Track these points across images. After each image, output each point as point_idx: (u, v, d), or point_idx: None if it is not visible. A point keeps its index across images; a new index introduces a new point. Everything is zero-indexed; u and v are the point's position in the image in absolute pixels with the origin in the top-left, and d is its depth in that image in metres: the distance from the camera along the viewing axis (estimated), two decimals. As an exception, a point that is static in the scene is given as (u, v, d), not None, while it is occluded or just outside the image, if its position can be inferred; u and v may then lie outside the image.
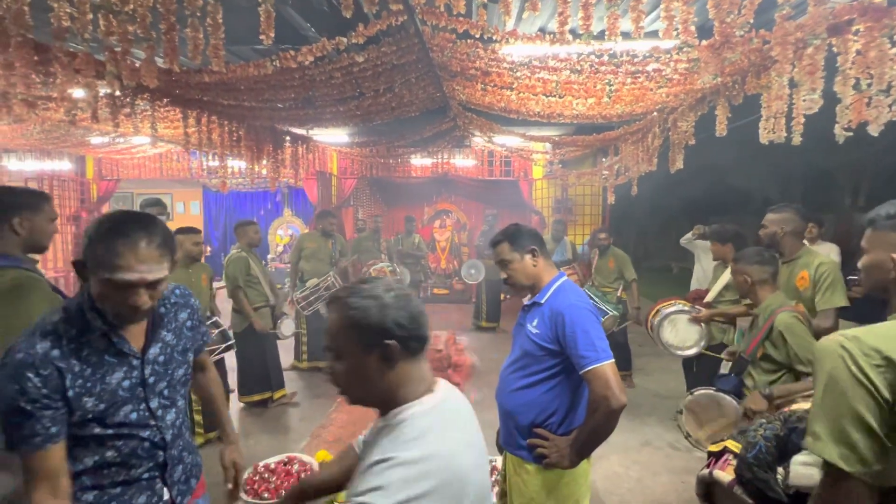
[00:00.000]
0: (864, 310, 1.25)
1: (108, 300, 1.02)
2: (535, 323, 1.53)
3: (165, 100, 3.31)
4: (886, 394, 0.85)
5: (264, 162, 4.69)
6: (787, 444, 1.24)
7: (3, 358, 0.98)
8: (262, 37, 1.85)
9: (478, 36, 2.19)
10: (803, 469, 1.08)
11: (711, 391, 2.06)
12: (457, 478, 0.80)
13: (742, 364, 2.04)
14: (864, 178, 10.69)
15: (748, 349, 2.02)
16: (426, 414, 0.84)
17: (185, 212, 10.44)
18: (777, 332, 1.89)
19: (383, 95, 3.31)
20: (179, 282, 3.14)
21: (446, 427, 0.85)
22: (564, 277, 1.61)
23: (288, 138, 5.05)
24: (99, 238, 0.98)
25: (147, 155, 7.14)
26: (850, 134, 1.96)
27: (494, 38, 2.19)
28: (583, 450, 1.46)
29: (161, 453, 1.16)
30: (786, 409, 1.50)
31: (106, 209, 9.02)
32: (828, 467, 0.90)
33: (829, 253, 3.62)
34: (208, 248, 9.90)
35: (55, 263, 7.00)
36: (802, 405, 1.45)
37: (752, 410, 1.81)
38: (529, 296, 1.62)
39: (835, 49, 1.95)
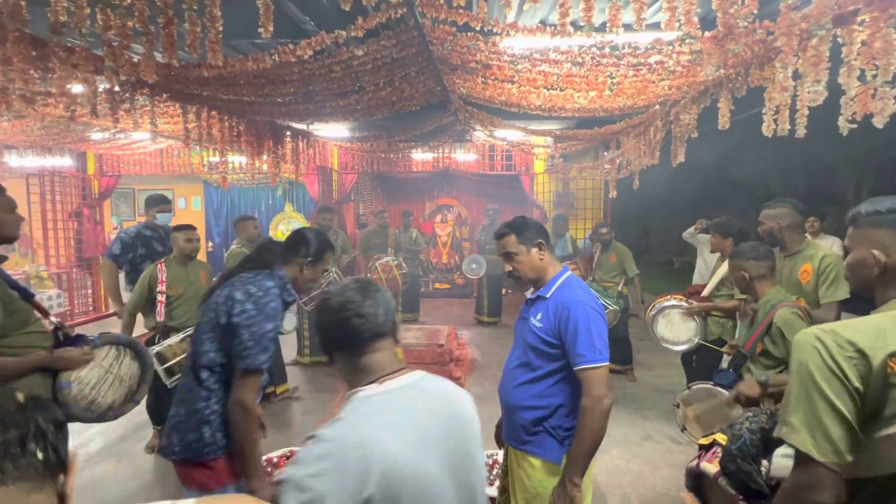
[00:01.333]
0: (865, 303, 1.24)
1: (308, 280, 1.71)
2: (538, 317, 1.52)
3: (165, 95, 3.29)
4: (858, 384, 0.87)
5: (265, 157, 4.68)
6: (771, 438, 1.26)
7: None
8: (260, 30, 1.84)
9: (478, 28, 2.17)
10: (784, 461, 1.10)
11: (708, 385, 2.05)
12: (362, 463, 0.81)
13: (740, 359, 2.04)
14: (867, 171, 10.61)
15: (747, 344, 2.01)
16: (362, 399, 0.92)
17: (186, 207, 10.43)
18: (776, 328, 1.88)
19: (383, 89, 3.29)
20: (177, 280, 3.16)
21: (378, 413, 0.89)
22: (569, 272, 1.60)
23: (288, 133, 5.04)
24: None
25: (148, 150, 7.13)
26: (855, 126, 1.94)
27: (495, 30, 2.17)
28: (585, 458, 1.43)
29: None
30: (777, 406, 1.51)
31: (107, 205, 9.03)
32: (800, 456, 0.91)
33: (831, 246, 3.61)
34: (210, 244, 9.91)
35: (58, 260, 7.01)
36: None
37: (745, 395, 1.79)
38: (533, 289, 1.62)
39: (839, 40, 1.93)
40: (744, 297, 2.36)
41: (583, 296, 1.49)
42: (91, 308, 7.33)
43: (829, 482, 0.88)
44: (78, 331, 1.87)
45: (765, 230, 2.36)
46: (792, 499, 0.93)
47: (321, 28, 2.99)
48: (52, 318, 1.82)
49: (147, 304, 3.07)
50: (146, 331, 3.10)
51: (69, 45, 2.24)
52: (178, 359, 2.61)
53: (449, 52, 2.67)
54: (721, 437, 1.48)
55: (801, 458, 0.91)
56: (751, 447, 1.28)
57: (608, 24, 1.88)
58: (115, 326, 3.61)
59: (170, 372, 2.59)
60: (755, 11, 1.83)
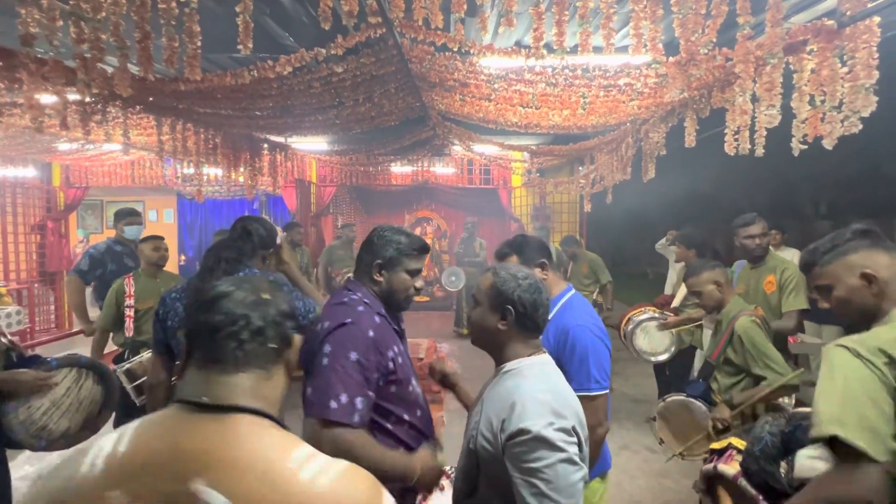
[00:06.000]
0: (822, 312, 1.31)
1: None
2: (541, 339, 1.52)
3: (138, 107, 3.24)
4: (895, 385, 0.91)
5: (241, 170, 4.63)
6: (790, 440, 1.29)
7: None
8: (239, 46, 1.85)
9: (456, 49, 2.24)
10: (809, 462, 1.12)
11: (682, 397, 2.12)
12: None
13: (709, 369, 2.12)
14: (823, 187, 11.25)
15: (713, 354, 2.09)
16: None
17: (158, 220, 10.14)
18: (737, 337, 1.96)
19: (363, 105, 3.33)
20: (147, 293, 3.08)
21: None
22: (573, 291, 1.56)
23: (266, 146, 5.00)
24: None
25: (118, 162, 6.93)
26: (806, 147, 2.08)
27: (472, 51, 2.24)
28: None
29: None
30: (791, 410, 1.57)
31: (73, 218, 8.68)
32: (847, 455, 0.90)
33: (792, 258, 3.80)
34: (183, 258, 9.64)
35: (18, 275, 6.69)
36: (806, 409, 1.52)
37: (720, 420, 1.87)
38: None
39: (791, 67, 2.08)
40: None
41: (584, 319, 1.45)
42: (54, 325, 6.99)
43: (879, 480, 0.89)
44: (40, 349, 1.79)
45: (756, 245, 2.50)
46: (837, 495, 0.91)
47: (300, 44, 3.01)
48: (4, 339, 1.72)
49: (115, 320, 2.97)
50: (115, 347, 2.99)
51: (39, 56, 2.19)
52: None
53: (427, 71, 2.73)
54: (737, 442, 1.53)
55: (850, 457, 0.90)
56: (771, 448, 1.31)
57: (579, 48, 1.97)
58: (79, 344, 3.46)
59: (139, 390, 2.50)
60: (714, 40, 1.95)
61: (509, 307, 1.10)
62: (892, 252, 1.08)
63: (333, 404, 1.10)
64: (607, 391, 1.40)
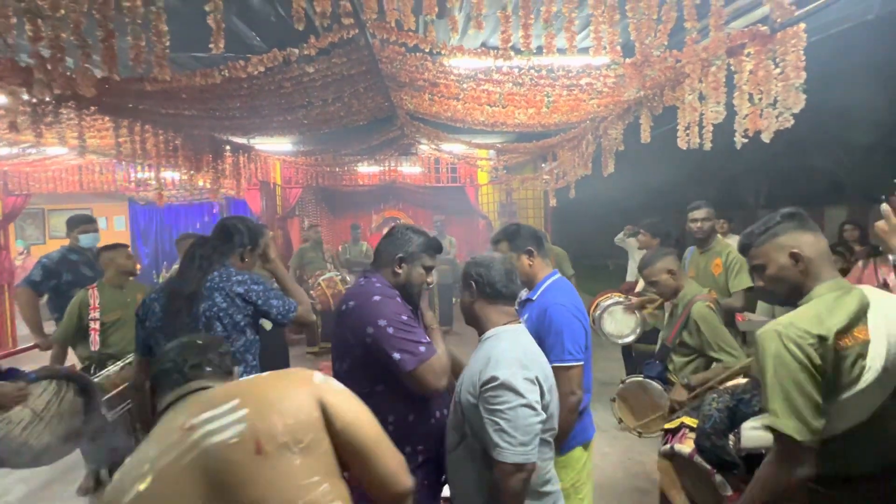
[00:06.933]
0: (768, 292, 1.46)
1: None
2: (526, 318, 1.63)
3: (93, 108, 3.09)
4: (819, 362, 1.04)
5: (203, 171, 4.49)
6: (735, 414, 1.44)
7: None
8: (211, 46, 1.84)
9: (427, 50, 2.31)
10: (752, 433, 1.26)
11: (639, 379, 2.28)
12: None
13: (665, 350, 2.28)
14: (763, 179, 12.15)
15: (669, 337, 2.23)
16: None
17: (108, 228, 9.57)
18: (693, 322, 2.09)
19: (332, 105, 3.34)
20: (113, 304, 2.97)
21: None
22: (557, 275, 1.71)
23: (228, 147, 4.87)
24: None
25: (64, 166, 6.50)
26: (746, 140, 2.30)
27: (442, 52, 2.32)
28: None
29: None
30: (730, 384, 1.71)
31: (10, 228, 8.06)
32: (781, 439, 1.05)
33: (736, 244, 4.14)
34: (138, 266, 9.16)
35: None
36: (743, 381, 1.67)
37: (677, 402, 2.01)
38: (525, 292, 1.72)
39: (732, 68, 2.29)
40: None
41: (563, 299, 1.59)
42: (-5, 344, 6.48)
43: (811, 457, 1.03)
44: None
45: (698, 228, 2.71)
46: (779, 477, 1.06)
47: (267, 43, 2.99)
48: None
49: (77, 333, 2.83)
50: (78, 362, 2.85)
51: (-11, 55, 2.08)
52: (119, 389, 2.43)
53: (398, 71, 2.79)
54: (689, 420, 1.65)
55: (784, 440, 1.04)
56: (720, 424, 1.44)
57: (544, 49, 2.09)
58: (26, 362, 3.26)
59: (110, 403, 2.41)
60: (665, 42, 2.13)
61: (471, 282, 1.35)
62: (816, 232, 1.17)
63: (421, 348, 1.33)
64: (581, 363, 1.55)
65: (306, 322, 1.84)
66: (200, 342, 1.03)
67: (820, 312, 1.08)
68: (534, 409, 1.17)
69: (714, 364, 2.06)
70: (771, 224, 1.20)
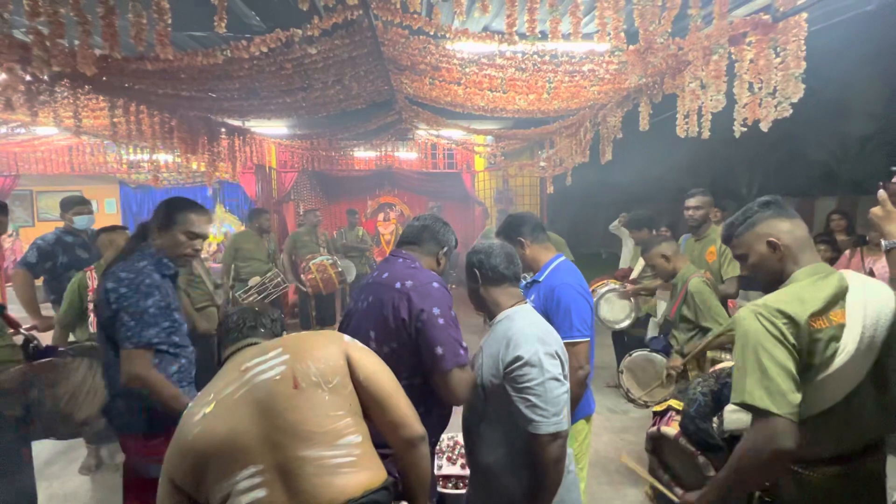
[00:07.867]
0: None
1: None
2: (532, 298, 1.69)
3: (87, 87, 3.03)
4: (794, 341, 1.06)
5: (199, 153, 4.43)
6: (719, 398, 1.48)
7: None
8: (215, 26, 1.81)
9: (431, 33, 2.29)
10: (734, 416, 1.30)
11: (646, 352, 2.37)
12: None
13: (668, 326, 2.39)
14: (757, 169, 12.25)
15: (671, 312, 2.36)
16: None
17: (99, 210, 9.42)
18: (690, 295, 2.25)
19: (332, 87, 3.31)
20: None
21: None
22: (562, 258, 1.77)
23: (223, 130, 4.81)
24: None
25: (53, 147, 6.37)
26: (745, 129, 2.33)
27: (447, 35, 2.30)
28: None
29: None
30: (716, 367, 1.77)
31: None
32: (758, 413, 1.04)
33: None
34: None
35: (-59, 272, 6.07)
36: (727, 364, 1.73)
37: (672, 368, 2.14)
38: (530, 275, 1.79)
39: (733, 57, 2.31)
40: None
41: (569, 279, 1.66)
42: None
43: (790, 429, 1.00)
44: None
45: (691, 216, 2.77)
46: (759, 452, 1.03)
47: (267, 24, 2.94)
48: (23, 331, 1.75)
49: (77, 315, 2.83)
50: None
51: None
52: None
53: (400, 54, 2.77)
54: (676, 403, 1.71)
55: (761, 414, 1.02)
56: (704, 407, 1.49)
57: (549, 34, 2.09)
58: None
59: None
60: (669, 29, 2.14)
61: (474, 270, 1.41)
62: (793, 218, 1.19)
63: (461, 351, 1.34)
64: (588, 339, 1.60)
65: (140, 379, 1.53)
66: (256, 309, 1.25)
67: (796, 295, 1.10)
68: (560, 380, 1.24)
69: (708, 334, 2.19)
70: (749, 214, 1.22)
